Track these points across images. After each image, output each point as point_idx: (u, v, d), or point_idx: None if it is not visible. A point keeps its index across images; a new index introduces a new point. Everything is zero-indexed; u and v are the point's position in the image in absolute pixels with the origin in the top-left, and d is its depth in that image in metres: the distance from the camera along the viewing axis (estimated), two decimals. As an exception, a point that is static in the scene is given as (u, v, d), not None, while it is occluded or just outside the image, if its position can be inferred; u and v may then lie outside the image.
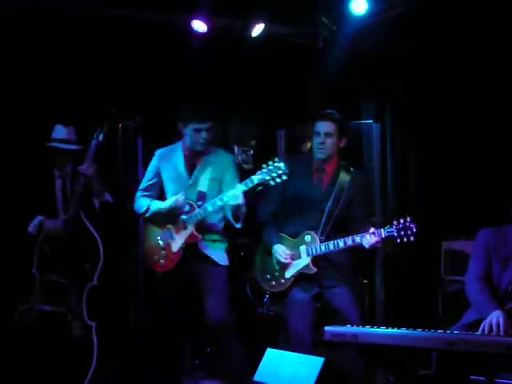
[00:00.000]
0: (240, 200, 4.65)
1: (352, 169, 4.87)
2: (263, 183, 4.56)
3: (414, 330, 3.80)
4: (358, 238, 4.49)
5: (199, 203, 4.86)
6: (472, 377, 4.02)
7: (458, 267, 6.07)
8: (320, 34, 6.81)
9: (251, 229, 5.06)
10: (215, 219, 4.95)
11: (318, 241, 4.68)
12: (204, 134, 4.88)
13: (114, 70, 6.51)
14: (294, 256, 4.77)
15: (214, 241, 4.99)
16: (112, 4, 6.32)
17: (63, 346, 5.01)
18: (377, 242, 4.46)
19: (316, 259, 4.72)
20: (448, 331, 3.81)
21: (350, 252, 4.75)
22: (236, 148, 7.51)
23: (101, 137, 5.19)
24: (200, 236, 4.86)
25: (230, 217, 4.83)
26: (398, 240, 4.41)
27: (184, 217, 4.85)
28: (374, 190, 6.14)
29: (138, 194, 5.13)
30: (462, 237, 6.25)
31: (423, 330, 3.78)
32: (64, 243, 5.17)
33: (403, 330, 3.82)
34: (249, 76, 7.05)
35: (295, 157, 5.09)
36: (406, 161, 7.00)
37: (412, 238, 4.38)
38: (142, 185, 5.13)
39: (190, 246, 4.88)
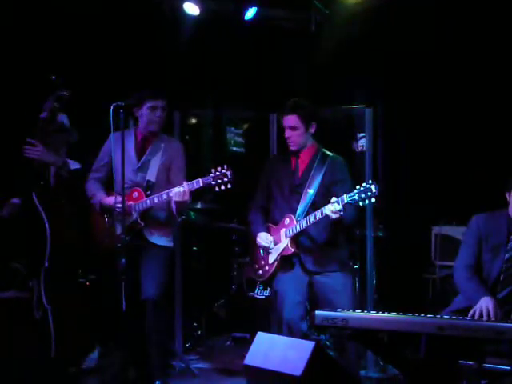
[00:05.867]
0: (186, 197, 4.74)
1: (331, 154, 4.92)
2: (208, 187, 4.68)
3: (405, 314, 3.82)
4: (324, 209, 4.54)
5: (148, 192, 4.94)
6: (461, 361, 4.04)
7: (448, 252, 6.11)
8: (312, 17, 6.79)
9: (243, 214, 5.08)
10: (160, 209, 4.99)
11: (295, 221, 4.74)
12: (159, 112, 4.98)
13: (104, 52, 6.48)
14: (276, 240, 4.84)
15: (158, 228, 5.02)
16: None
17: (27, 329, 5.02)
18: (339, 210, 4.48)
19: (295, 240, 4.78)
20: (438, 316, 3.83)
21: (331, 228, 4.77)
22: (228, 130, 7.51)
23: (44, 114, 5.12)
24: (143, 224, 4.93)
25: (173, 209, 4.93)
26: (361, 203, 4.43)
27: (131, 203, 4.90)
28: (365, 174, 6.13)
29: (90, 175, 5.19)
30: (452, 222, 6.29)
31: (413, 315, 3.80)
32: (18, 227, 5.14)
33: (394, 315, 3.83)
34: (241, 59, 7.03)
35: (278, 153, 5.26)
36: (398, 145, 7.01)
37: (373, 200, 4.39)
38: (94, 165, 5.20)
39: (134, 231, 4.92)
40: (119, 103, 4.52)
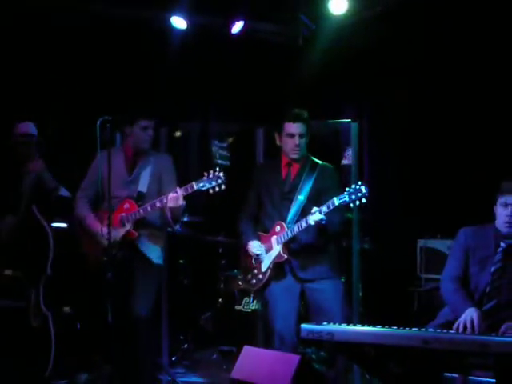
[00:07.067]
0: (180, 203, 4.74)
1: (321, 162, 4.95)
2: (202, 190, 4.69)
3: (390, 327, 3.83)
4: (308, 219, 4.58)
5: (139, 203, 4.94)
6: (446, 374, 4.05)
7: (433, 265, 6.14)
8: (300, 32, 6.83)
9: (229, 227, 5.09)
10: (153, 218, 5.01)
11: (286, 228, 4.75)
12: (150, 132, 5.02)
13: (91, 66, 6.49)
14: (267, 248, 4.84)
15: (151, 239, 5.03)
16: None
17: (24, 338, 5.11)
18: (320, 220, 4.51)
19: (287, 246, 4.79)
20: (423, 329, 3.85)
21: (321, 234, 4.78)
22: (213, 144, 7.53)
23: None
24: (137, 233, 4.93)
25: (168, 218, 4.93)
26: (351, 205, 4.46)
27: (123, 215, 4.92)
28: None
29: (79, 193, 5.18)
30: (437, 235, 6.32)
31: (399, 328, 3.81)
32: (17, 238, 5.26)
33: (379, 328, 3.85)
34: (228, 73, 7.06)
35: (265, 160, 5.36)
36: (384, 159, 7.05)
37: (364, 200, 4.42)
38: (83, 183, 5.19)
39: (128, 243, 4.93)
40: (106, 117, 4.52)
